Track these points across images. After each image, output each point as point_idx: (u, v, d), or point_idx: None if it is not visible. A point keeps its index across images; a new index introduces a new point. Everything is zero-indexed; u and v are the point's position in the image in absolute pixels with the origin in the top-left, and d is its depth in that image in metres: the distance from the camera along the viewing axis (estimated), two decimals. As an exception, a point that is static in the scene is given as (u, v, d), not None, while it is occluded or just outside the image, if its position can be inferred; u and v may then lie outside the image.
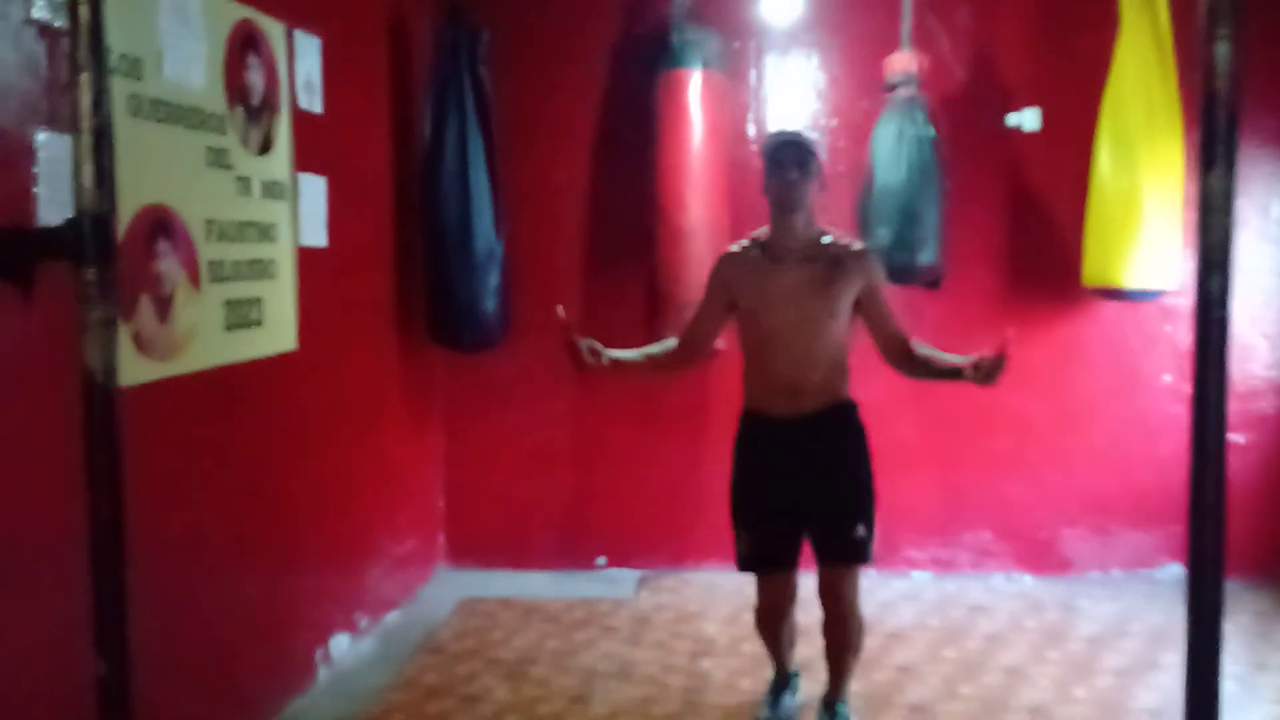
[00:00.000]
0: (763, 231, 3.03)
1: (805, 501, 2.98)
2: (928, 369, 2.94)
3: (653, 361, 3.13)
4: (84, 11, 1.37)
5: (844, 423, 3.03)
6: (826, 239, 2.98)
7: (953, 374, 2.85)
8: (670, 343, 3.17)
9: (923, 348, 2.96)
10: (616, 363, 3.01)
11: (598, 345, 2.97)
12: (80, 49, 1.37)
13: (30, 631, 2.15)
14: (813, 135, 3.04)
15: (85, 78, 1.37)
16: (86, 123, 1.38)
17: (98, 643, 1.37)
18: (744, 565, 3.08)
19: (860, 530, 2.95)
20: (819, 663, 3.19)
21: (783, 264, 2.95)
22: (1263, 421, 4.39)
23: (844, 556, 2.97)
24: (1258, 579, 4.35)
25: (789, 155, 2.90)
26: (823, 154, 3.01)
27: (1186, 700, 1.00)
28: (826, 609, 3.02)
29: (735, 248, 3.09)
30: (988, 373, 2.71)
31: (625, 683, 3.50)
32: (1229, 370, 0.95)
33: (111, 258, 1.40)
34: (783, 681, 3.31)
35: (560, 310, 2.96)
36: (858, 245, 3.01)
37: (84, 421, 1.37)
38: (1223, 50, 0.85)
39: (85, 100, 1.38)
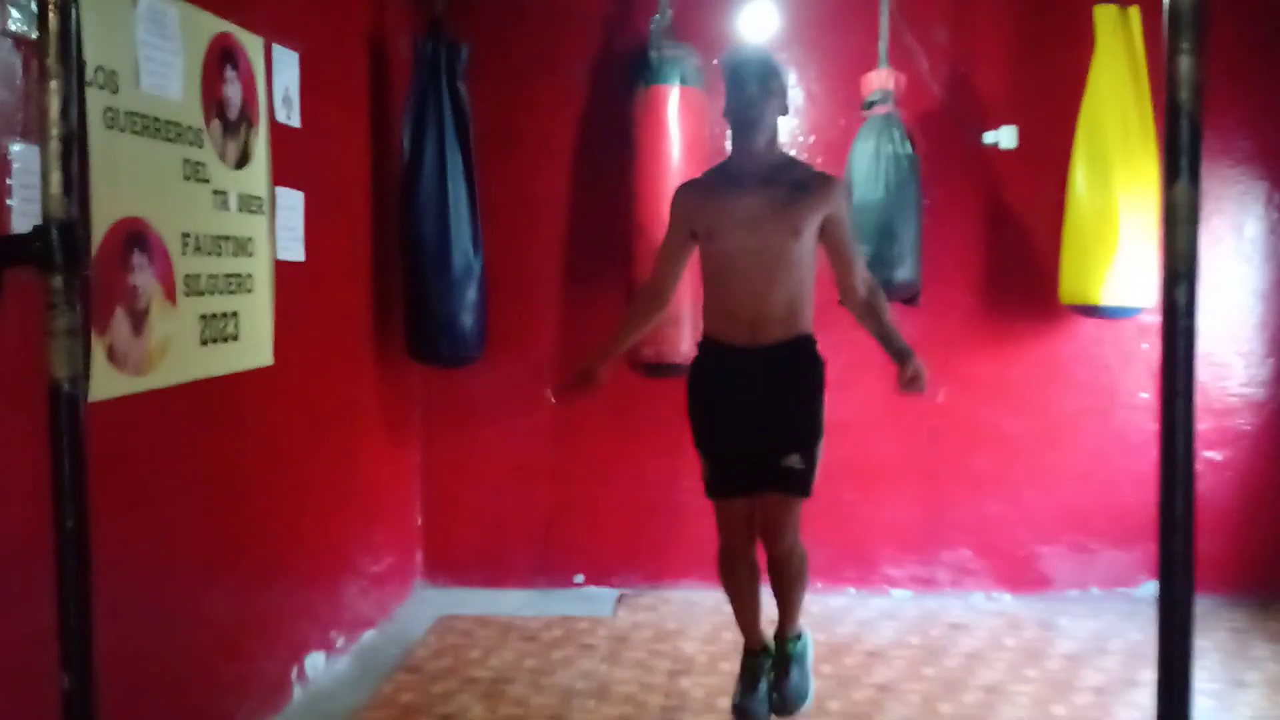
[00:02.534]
0: (725, 160, 2.98)
1: (753, 432, 2.93)
2: (878, 331, 2.94)
3: (630, 327, 3.14)
4: (53, 20, 1.36)
5: (800, 356, 2.96)
6: (791, 164, 2.92)
7: (895, 355, 2.87)
8: (638, 295, 3.15)
9: (880, 306, 2.95)
10: (607, 357, 3.05)
11: (589, 364, 3.00)
12: (49, 57, 1.36)
13: (-5, 649, 2.12)
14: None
15: (54, 85, 1.36)
16: (55, 130, 1.37)
17: (63, 657, 1.35)
18: (707, 490, 3.06)
19: (795, 460, 2.90)
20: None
21: (743, 186, 2.86)
22: (1239, 438, 4.42)
23: (776, 485, 2.93)
24: (1235, 595, 4.37)
25: (749, 71, 2.81)
26: (786, 75, 2.96)
27: (1158, 715, 1.00)
28: (766, 546, 3.02)
29: (694, 178, 3.06)
30: (915, 382, 2.79)
31: (603, 702, 3.48)
32: (1196, 382, 0.96)
33: (78, 266, 1.38)
34: (753, 659, 3.20)
35: (549, 395, 3.05)
36: (822, 172, 2.95)
37: (49, 431, 1.35)
38: (1185, 63, 0.86)
39: (54, 108, 1.36)
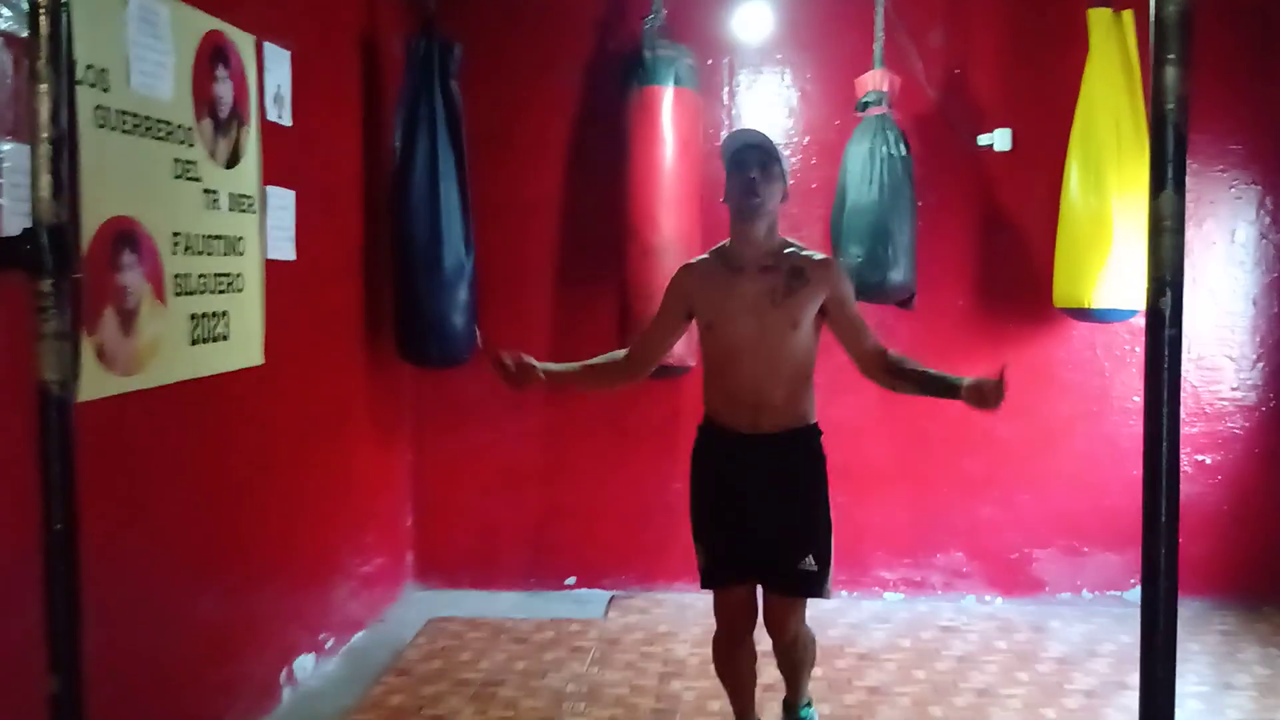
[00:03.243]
0: (724, 244, 2.90)
1: (758, 525, 2.84)
2: (915, 382, 2.74)
3: (594, 372, 3.01)
4: (44, 22, 1.36)
5: (803, 448, 2.88)
6: (790, 249, 2.83)
7: (946, 390, 2.67)
8: (618, 354, 3.03)
9: (906, 360, 2.78)
10: (553, 375, 2.90)
11: (529, 360, 2.84)
12: (40, 59, 1.36)
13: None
14: (775, 139, 2.87)
15: (44, 88, 1.36)
16: (45, 133, 1.37)
17: (51, 660, 1.35)
18: (703, 581, 2.95)
19: (809, 562, 2.82)
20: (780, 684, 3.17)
21: (742, 274, 2.80)
22: (1230, 442, 4.43)
23: (789, 589, 2.86)
24: (1224, 599, 4.39)
25: (750, 157, 2.74)
26: (786, 160, 2.88)
27: (1141, 713, 1.00)
28: (773, 639, 2.95)
29: (695, 260, 2.98)
30: (988, 395, 2.55)
31: (594, 704, 3.47)
32: (1181, 390, 0.96)
33: (68, 268, 1.38)
34: None
35: (479, 337, 2.86)
36: (821, 255, 2.86)
37: (39, 433, 1.35)
38: (1171, 73, 0.86)
39: (44, 110, 1.36)
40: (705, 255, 2.95)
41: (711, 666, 3.60)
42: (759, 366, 2.78)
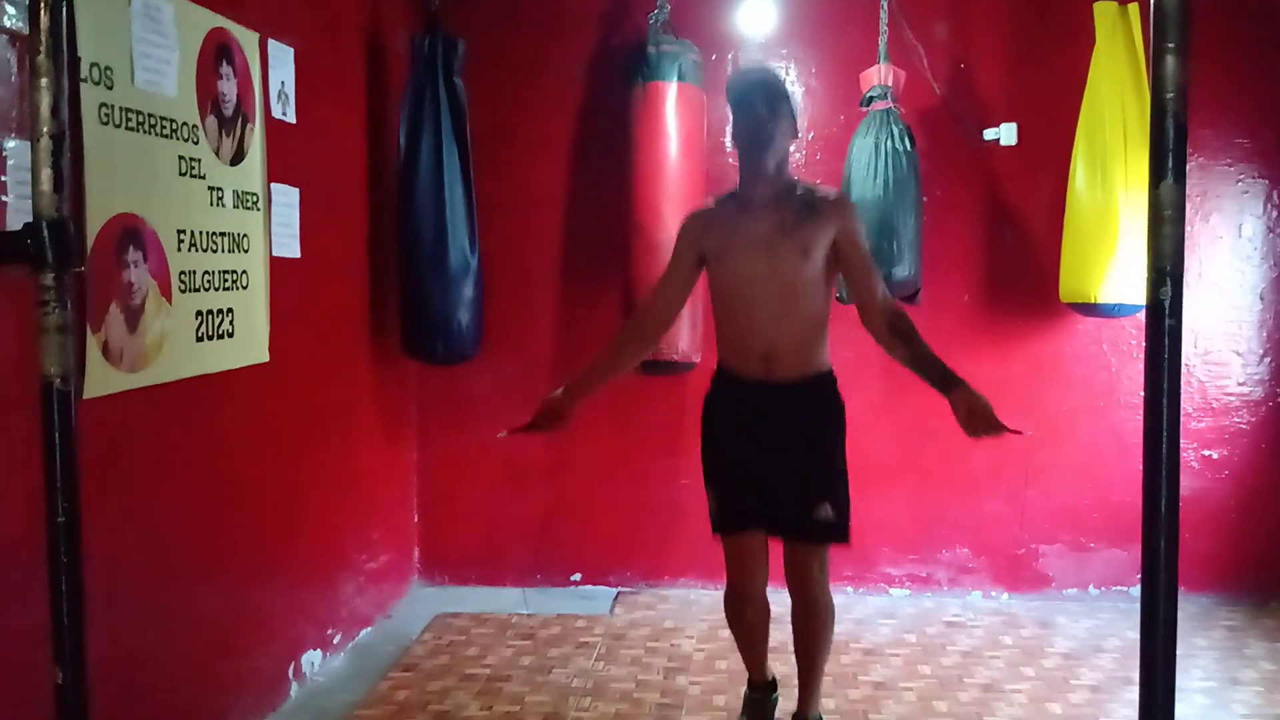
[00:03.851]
0: (733, 188, 2.87)
1: (772, 475, 2.81)
2: (912, 355, 2.72)
3: (616, 356, 2.97)
4: (44, 18, 1.36)
5: (819, 395, 2.84)
6: (802, 188, 2.78)
7: (938, 379, 2.67)
8: (630, 323, 2.97)
9: (914, 332, 2.75)
10: (579, 387, 2.86)
11: (553, 396, 2.82)
12: (40, 55, 1.36)
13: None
14: (782, 77, 2.87)
15: (44, 82, 1.36)
16: (45, 128, 1.37)
17: (55, 653, 1.35)
18: (714, 526, 2.92)
19: (826, 510, 2.79)
20: (795, 682, 3.17)
21: (751, 211, 2.75)
22: (1237, 437, 4.42)
23: (807, 535, 2.82)
24: (1231, 594, 4.37)
25: (756, 94, 2.70)
26: (794, 97, 2.87)
27: (1141, 712, 1.00)
28: (792, 591, 2.88)
29: (701, 206, 2.93)
30: (976, 416, 2.56)
31: (600, 700, 3.48)
32: (1181, 383, 0.95)
33: (69, 263, 1.38)
34: (760, 693, 3.15)
35: (502, 435, 2.85)
36: (834, 190, 2.83)
37: (41, 427, 1.35)
38: (1171, 62, 0.86)
39: (44, 106, 1.37)
40: (711, 201, 2.92)
41: (717, 662, 3.61)
42: (771, 306, 2.72)
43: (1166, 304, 0.90)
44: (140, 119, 2.59)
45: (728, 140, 4.16)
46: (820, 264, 2.74)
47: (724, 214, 2.82)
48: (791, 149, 2.83)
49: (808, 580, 2.85)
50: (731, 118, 2.77)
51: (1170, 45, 0.86)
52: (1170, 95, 0.86)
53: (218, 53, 2.97)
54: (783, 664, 3.38)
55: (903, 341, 2.74)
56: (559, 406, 2.83)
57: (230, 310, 3.04)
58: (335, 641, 3.81)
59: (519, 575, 4.65)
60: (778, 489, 2.82)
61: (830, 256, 2.76)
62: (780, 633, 3.23)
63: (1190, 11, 0.87)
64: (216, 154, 2.96)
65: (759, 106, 2.69)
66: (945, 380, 2.65)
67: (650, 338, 3.01)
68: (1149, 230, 0.93)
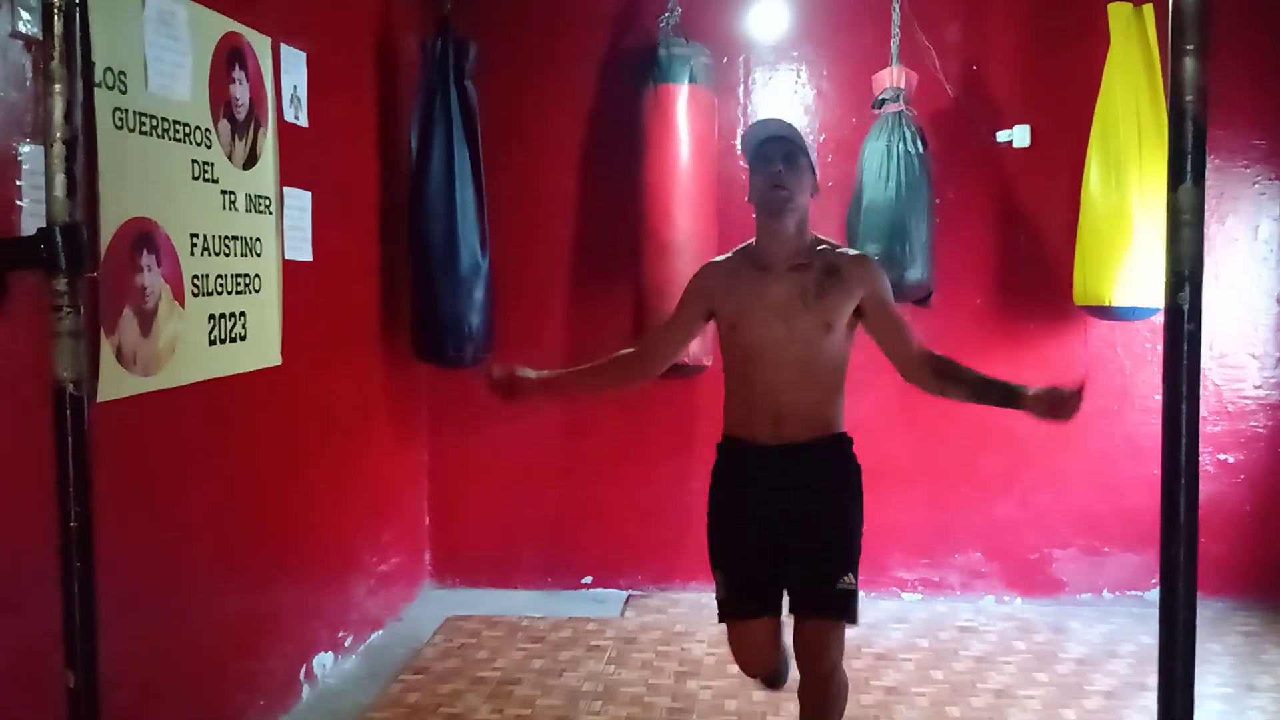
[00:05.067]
0: (750, 243, 2.68)
1: (787, 543, 2.59)
2: (969, 387, 2.52)
3: (599, 373, 2.80)
4: (58, 24, 1.37)
5: (834, 458, 2.65)
6: (823, 247, 2.61)
7: (1006, 398, 2.45)
8: (626, 353, 2.81)
9: (957, 365, 2.56)
10: (550, 382, 2.71)
11: (523, 371, 2.66)
12: (54, 60, 1.36)
13: (2, 643, 2.13)
14: (800, 129, 2.67)
15: (58, 88, 1.37)
16: (59, 134, 1.38)
17: (67, 656, 1.36)
18: (721, 613, 2.67)
19: (847, 580, 2.54)
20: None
21: (770, 273, 2.56)
22: (1253, 441, 4.39)
23: (826, 611, 2.55)
24: (1247, 599, 4.34)
25: (774, 150, 2.52)
26: (813, 150, 2.67)
27: (1160, 712, 0.98)
28: (803, 670, 2.62)
29: (718, 259, 2.76)
30: (1063, 405, 2.34)
31: (610, 703, 3.47)
32: (1200, 388, 0.94)
33: (82, 268, 1.39)
34: None
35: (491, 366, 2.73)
36: (856, 251, 2.68)
37: (54, 431, 1.36)
38: (1190, 65, 0.85)
39: (57, 111, 1.37)
40: (729, 254, 2.73)
41: (728, 666, 3.57)
42: (786, 373, 2.55)
43: (1185, 309, 0.89)
44: (154, 123, 2.60)
45: (737, 144, 4.16)
46: (841, 332, 2.58)
47: (741, 273, 2.63)
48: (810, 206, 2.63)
49: (824, 660, 2.58)
50: (748, 174, 2.60)
51: (1189, 47, 0.85)
52: (1189, 98, 0.85)
53: (230, 57, 2.98)
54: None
55: (954, 383, 2.55)
56: (521, 385, 2.68)
57: (243, 314, 3.04)
58: (347, 644, 3.82)
59: (530, 578, 4.65)
60: (794, 558, 2.60)
61: (854, 320, 2.61)
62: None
63: (1209, 13, 0.86)
64: (229, 158, 2.97)
65: (778, 162, 2.51)
66: (1010, 397, 2.45)
67: (633, 377, 2.90)
68: (1167, 234, 0.92)
